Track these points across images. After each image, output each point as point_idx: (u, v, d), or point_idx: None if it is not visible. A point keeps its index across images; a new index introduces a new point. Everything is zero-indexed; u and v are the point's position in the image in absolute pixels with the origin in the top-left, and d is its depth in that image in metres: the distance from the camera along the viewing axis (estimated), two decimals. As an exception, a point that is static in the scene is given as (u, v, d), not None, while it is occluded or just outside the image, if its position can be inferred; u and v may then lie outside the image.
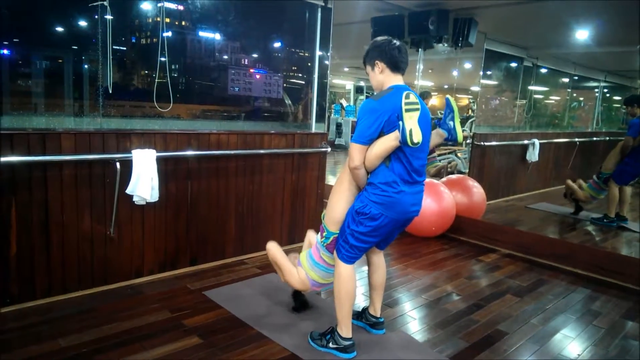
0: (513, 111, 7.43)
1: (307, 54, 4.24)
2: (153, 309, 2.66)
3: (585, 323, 2.82)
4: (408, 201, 2.18)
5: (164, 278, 3.10)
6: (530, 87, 7.51)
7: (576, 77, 8.93)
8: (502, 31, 5.82)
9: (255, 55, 4.86)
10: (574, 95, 9.54)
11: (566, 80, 8.87)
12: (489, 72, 6.53)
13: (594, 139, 8.64)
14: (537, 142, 6.52)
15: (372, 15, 5.03)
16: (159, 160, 2.87)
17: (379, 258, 2.50)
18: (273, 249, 2.58)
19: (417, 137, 2.04)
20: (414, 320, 2.73)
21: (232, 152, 3.35)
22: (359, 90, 15.15)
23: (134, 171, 2.74)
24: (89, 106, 3.18)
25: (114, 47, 2.92)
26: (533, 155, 6.58)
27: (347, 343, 2.26)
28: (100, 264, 2.84)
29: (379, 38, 2.24)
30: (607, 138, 9.02)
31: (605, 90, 9.86)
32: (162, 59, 3.15)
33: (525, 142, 6.48)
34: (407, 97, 2.09)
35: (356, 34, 5.78)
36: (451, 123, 2.40)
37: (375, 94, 2.24)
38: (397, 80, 2.22)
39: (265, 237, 3.60)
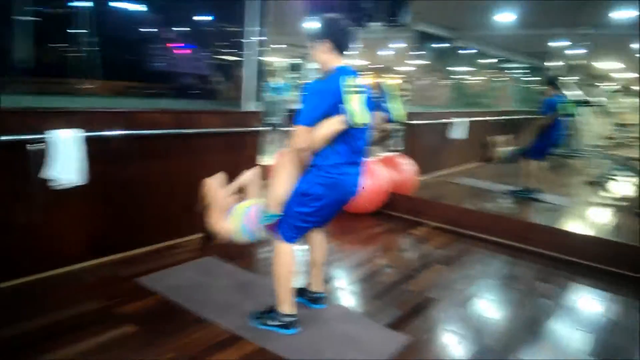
0: (441, 91, 7.77)
1: (239, 29, 4.12)
2: (83, 298, 2.53)
3: (505, 286, 3.07)
4: (350, 182, 2.23)
5: (93, 266, 2.93)
6: (456, 68, 7.87)
7: (496, 59, 9.50)
8: (432, 12, 6.01)
9: (182, 29, 4.65)
10: (495, 75, 10.14)
11: (487, 61, 9.40)
12: (419, 53, 6.75)
13: (511, 117, 9.26)
14: (463, 120, 6.88)
15: (306, -9, 4.97)
16: (86, 141, 2.67)
17: (319, 236, 2.54)
18: (212, 184, 2.57)
19: (363, 118, 2.07)
20: (352, 294, 2.82)
21: (165, 131, 3.19)
22: (294, 67, 15.01)
23: (58, 153, 2.54)
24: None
25: (22, 17, 2.65)
26: (459, 133, 6.95)
27: (289, 320, 2.30)
28: (24, 254, 2.63)
29: (329, 15, 2.21)
30: (523, 116, 9.72)
31: (520, 71, 10.58)
32: (81, 31, 2.92)
33: (451, 120, 6.81)
34: (352, 79, 2.10)
35: (291, 9, 5.70)
36: (389, 105, 2.46)
37: (320, 75, 2.23)
38: (341, 60, 2.22)
39: (200, 218, 3.53)
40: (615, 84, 14.47)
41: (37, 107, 2.65)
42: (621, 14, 5.37)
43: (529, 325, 2.57)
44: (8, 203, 2.53)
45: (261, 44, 3.95)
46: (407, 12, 5.15)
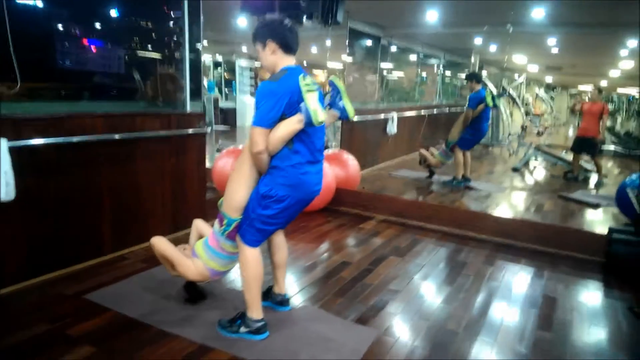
0: (373, 87, 7.98)
1: (174, 26, 3.94)
2: (25, 322, 2.29)
3: (456, 273, 3.24)
4: (313, 180, 2.22)
5: (31, 286, 2.68)
6: (386, 65, 8.12)
7: (422, 56, 9.93)
8: (363, 11, 6.14)
9: (97, 24, 4.35)
10: (421, 72, 10.60)
11: (415, 58, 9.81)
12: (351, 50, 6.87)
13: (437, 111, 9.76)
14: (395, 115, 7.13)
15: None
16: (10, 151, 2.42)
17: (280, 237, 2.50)
18: (159, 242, 2.39)
19: (322, 116, 2.07)
20: (315, 292, 2.82)
21: (98, 137, 2.96)
22: (217, 65, 14.68)
23: (-19, 166, 2.29)
24: None
25: None
26: (392, 128, 7.20)
27: (259, 325, 2.25)
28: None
29: (269, 17, 2.20)
30: (447, 109, 10.28)
31: (444, 66, 11.15)
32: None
33: (385, 116, 7.04)
34: (304, 78, 2.09)
35: (219, 5, 5.56)
36: (341, 103, 2.47)
37: (271, 75, 2.19)
38: (289, 61, 2.20)
39: (147, 227, 3.37)
40: (520, 75, 15.77)
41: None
42: (535, 13, 5.84)
43: (483, 307, 2.74)
44: None
45: (200, 40, 3.81)
46: (342, 11, 5.24)
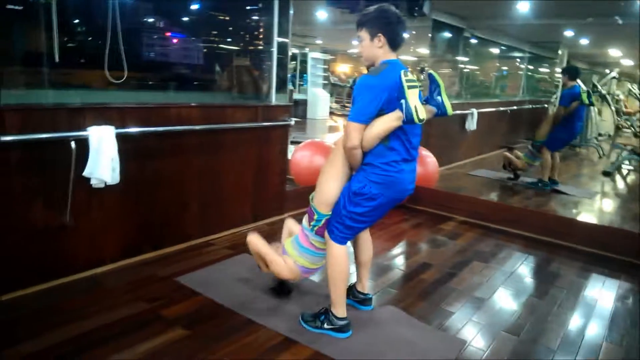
0: (454, 81, 7.67)
1: (264, 20, 3.98)
2: (124, 301, 2.44)
3: (547, 285, 3.02)
4: (407, 179, 2.16)
5: (128, 265, 2.86)
6: (469, 58, 7.78)
7: (505, 48, 9.40)
8: (447, 1, 5.89)
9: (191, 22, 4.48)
10: (504, 65, 10.06)
11: (497, 51, 9.31)
12: (433, 43, 6.65)
13: (522, 107, 9.21)
14: (475, 111, 6.81)
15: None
16: (118, 138, 2.58)
17: (366, 235, 2.47)
18: (254, 240, 2.42)
19: (423, 113, 1.99)
20: (396, 293, 2.76)
21: (195, 127, 3.10)
22: (292, 58, 14.87)
23: (91, 151, 2.45)
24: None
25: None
26: (472, 124, 6.88)
27: (342, 323, 2.24)
28: (57, 255, 2.54)
29: (386, 7, 2.11)
30: (531, 106, 9.68)
31: (529, 60, 10.50)
32: (114, 22, 2.79)
33: (465, 112, 6.74)
34: (405, 74, 2.01)
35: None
36: (439, 98, 2.36)
37: (371, 69, 2.14)
38: (392, 56, 2.14)
39: (230, 215, 3.47)
40: (611, 70, 14.47)
41: (77, 104, 2.55)
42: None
43: (580, 325, 2.53)
44: (51, 202, 2.45)
45: (289, 34, 3.84)
46: (428, 1, 5.06)
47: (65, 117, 2.44)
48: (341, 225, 2.19)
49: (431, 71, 2.43)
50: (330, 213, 2.23)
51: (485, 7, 6.13)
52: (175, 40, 4.42)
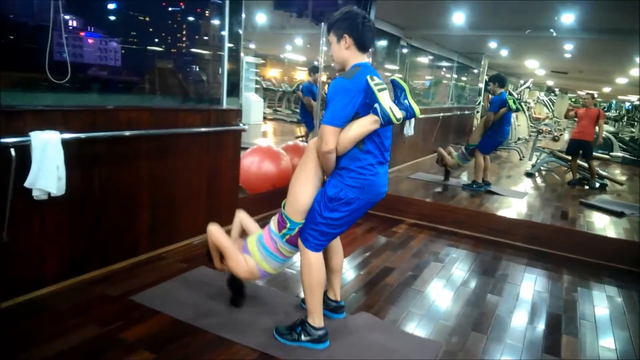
0: (390, 88, 7.89)
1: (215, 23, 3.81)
2: (74, 325, 2.19)
3: (502, 281, 3.17)
4: (382, 182, 2.15)
5: (74, 285, 2.57)
6: (405, 65, 8.04)
7: (435, 57, 9.87)
8: (387, 10, 6.05)
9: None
10: (435, 74, 10.55)
11: (428, 60, 9.74)
12: (375, 50, 6.78)
13: (450, 113, 9.71)
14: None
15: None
16: (63, 144, 2.31)
17: (337, 241, 2.42)
18: (216, 231, 2.30)
19: (399, 112, 1.99)
20: (364, 299, 2.75)
21: (145, 132, 2.88)
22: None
23: (34, 159, 2.17)
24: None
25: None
26: (409, 129, 7.11)
27: (320, 333, 2.17)
28: (-9, 279, 2.23)
29: (352, 9, 2.09)
30: (458, 112, 10.25)
31: (456, 70, 11.12)
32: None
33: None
34: (372, 78, 1.99)
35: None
36: (406, 102, 2.38)
37: (345, 72, 2.11)
38: (362, 58, 2.13)
39: (182, 226, 3.28)
40: (524, 80, 15.80)
41: (15, 106, 2.25)
42: (565, 18, 5.73)
43: (538, 317, 2.68)
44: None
45: (240, 35, 3.71)
46: (374, 11, 5.17)
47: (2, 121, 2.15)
48: (317, 232, 2.13)
49: (394, 77, 2.45)
50: (303, 221, 2.17)
51: (423, 17, 6.38)
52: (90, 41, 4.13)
